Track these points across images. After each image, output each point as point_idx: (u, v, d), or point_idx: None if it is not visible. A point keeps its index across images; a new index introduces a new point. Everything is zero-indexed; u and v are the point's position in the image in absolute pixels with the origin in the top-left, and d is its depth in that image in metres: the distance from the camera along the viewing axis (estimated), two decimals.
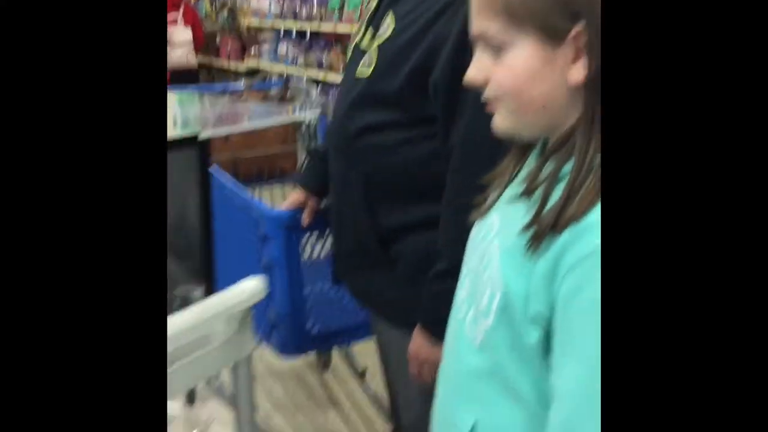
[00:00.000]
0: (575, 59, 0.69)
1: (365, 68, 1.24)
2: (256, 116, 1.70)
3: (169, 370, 1.06)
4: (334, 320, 1.80)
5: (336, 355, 2.61)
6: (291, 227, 1.65)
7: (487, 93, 0.76)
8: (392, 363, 1.37)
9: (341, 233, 1.37)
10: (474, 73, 0.76)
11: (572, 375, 0.65)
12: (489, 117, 1.06)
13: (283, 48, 5.33)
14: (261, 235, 1.72)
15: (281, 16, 5.27)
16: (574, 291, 0.65)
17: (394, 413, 1.59)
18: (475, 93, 1.09)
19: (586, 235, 0.65)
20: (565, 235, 0.66)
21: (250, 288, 1.14)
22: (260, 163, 2.12)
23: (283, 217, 1.65)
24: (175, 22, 5.54)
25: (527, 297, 0.69)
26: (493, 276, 0.74)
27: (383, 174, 1.23)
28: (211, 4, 6.82)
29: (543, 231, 0.68)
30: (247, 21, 6.05)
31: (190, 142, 1.12)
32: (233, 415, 1.22)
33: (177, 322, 1.06)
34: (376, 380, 2.43)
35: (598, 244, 0.63)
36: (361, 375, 2.39)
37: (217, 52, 6.44)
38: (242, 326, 1.17)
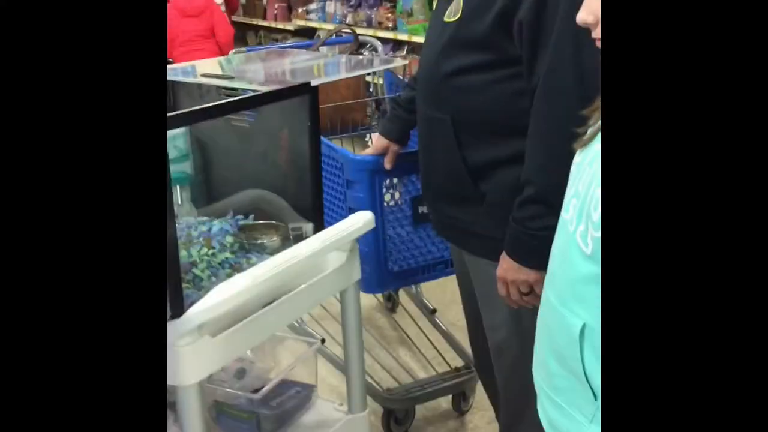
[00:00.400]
0: None
1: (453, 14, 1.33)
2: (332, 69, 1.80)
3: (289, 296, 1.20)
4: (412, 260, 1.92)
5: (404, 298, 2.75)
6: (374, 171, 1.78)
7: (597, 33, 0.86)
8: (479, 290, 1.49)
9: (431, 171, 1.48)
10: (585, 14, 0.85)
11: None
12: (570, 57, 1.16)
13: (331, 6, 5.39)
14: (345, 180, 1.84)
15: None
16: None
17: (474, 341, 1.72)
18: (559, 31, 1.18)
19: None
20: None
21: (358, 220, 1.27)
22: (332, 115, 2.23)
23: (367, 161, 1.78)
24: None
25: None
26: None
27: (472, 113, 1.33)
28: None
29: None
30: None
31: (303, 88, 1.23)
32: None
33: (296, 252, 1.19)
34: (446, 317, 2.56)
35: None
36: (432, 312, 2.52)
37: (264, 13, 6.52)
38: (351, 256, 1.30)
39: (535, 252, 1.16)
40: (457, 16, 1.32)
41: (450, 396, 2.22)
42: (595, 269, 0.87)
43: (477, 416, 2.23)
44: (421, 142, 1.51)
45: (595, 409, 0.90)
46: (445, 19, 1.34)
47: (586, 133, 0.94)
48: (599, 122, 0.92)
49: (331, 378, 2.26)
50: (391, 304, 2.79)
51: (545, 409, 0.99)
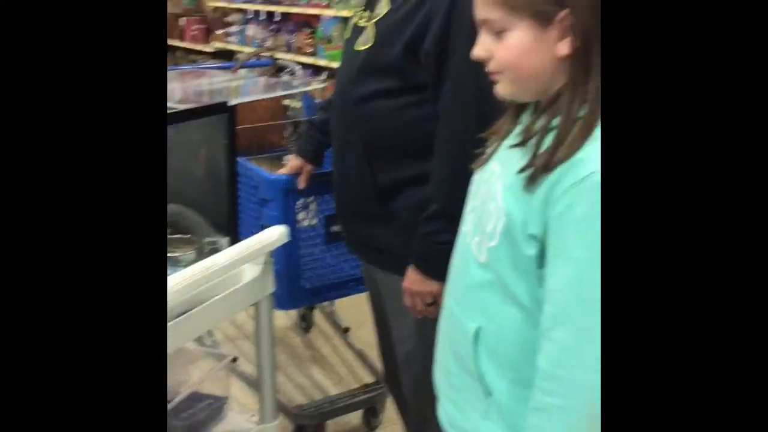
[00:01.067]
0: (561, 37, 0.88)
1: (364, 43, 1.42)
2: (253, 91, 1.86)
3: (204, 307, 1.23)
4: (325, 278, 1.98)
5: (318, 317, 2.79)
6: (288, 190, 1.83)
7: (490, 67, 0.95)
8: (388, 304, 1.56)
9: (344, 191, 1.55)
10: (479, 51, 0.95)
11: (562, 274, 0.86)
12: (471, 81, 1.26)
13: (250, 30, 5.43)
14: (260, 198, 1.89)
15: None
16: (565, 209, 0.85)
17: (384, 355, 1.79)
18: (460, 60, 1.28)
19: (574, 169, 0.85)
20: (558, 171, 0.86)
21: (273, 233, 1.32)
22: (250, 135, 2.28)
23: (281, 181, 1.83)
24: None
25: (526, 220, 0.89)
26: (497, 207, 0.93)
27: (382, 136, 1.41)
28: None
29: (538, 171, 0.88)
30: (212, 3, 6.12)
31: (221, 107, 1.28)
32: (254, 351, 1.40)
33: (211, 263, 1.22)
34: (358, 336, 2.62)
35: (585, 175, 0.83)
36: (345, 331, 2.58)
37: (181, 34, 6.48)
38: (265, 269, 1.35)
39: (439, 264, 1.25)
40: (369, 45, 1.40)
41: (361, 412, 2.28)
42: (489, 276, 0.95)
43: (387, 431, 2.29)
44: (335, 163, 1.58)
45: (487, 405, 0.98)
46: (357, 47, 1.43)
47: (483, 153, 1.03)
48: (495, 144, 1.01)
49: (243, 397, 2.27)
50: (306, 324, 2.83)
51: (445, 409, 1.07)
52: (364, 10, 1.48)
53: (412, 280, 1.39)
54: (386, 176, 1.44)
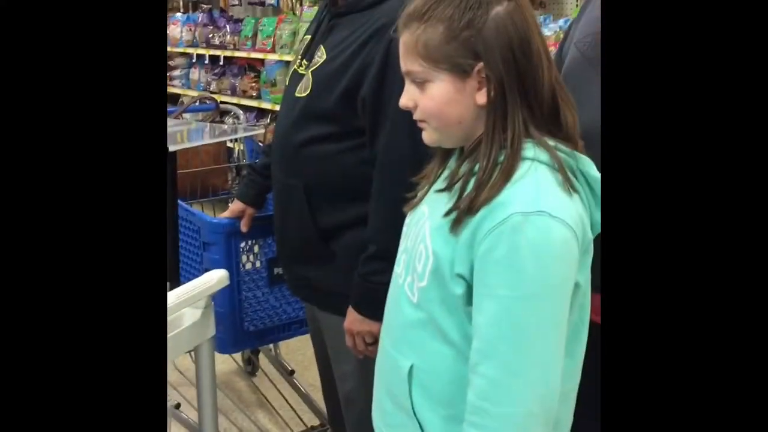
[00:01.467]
0: (479, 87, 0.94)
1: (303, 90, 1.47)
2: (195, 136, 1.88)
3: None
4: (268, 320, 1.99)
5: (263, 361, 2.78)
6: (230, 233, 1.85)
7: (416, 115, 1.00)
8: (329, 344, 1.58)
9: (285, 234, 1.58)
10: (405, 100, 1.00)
11: (487, 311, 0.90)
12: (406, 127, 1.32)
13: (195, 73, 5.45)
14: (202, 242, 1.89)
15: (193, 44, 5.40)
16: (488, 250, 0.90)
17: (327, 395, 1.80)
18: (395, 107, 1.34)
19: (495, 211, 0.90)
20: (480, 214, 0.91)
21: (213, 277, 1.34)
22: (193, 180, 2.29)
23: (223, 224, 1.85)
24: None
25: (453, 260, 0.94)
26: (426, 248, 0.97)
27: (322, 179, 1.45)
28: None
29: (462, 213, 0.93)
30: None
31: None
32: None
33: None
34: (304, 378, 2.62)
35: (504, 217, 0.88)
36: (290, 373, 2.57)
37: None
38: (205, 312, 1.36)
39: (378, 304, 1.28)
40: (307, 92, 1.45)
41: None
42: (420, 315, 0.99)
43: None
44: (276, 206, 1.61)
45: None
46: (297, 94, 1.47)
47: (415, 197, 1.08)
48: (425, 187, 1.06)
49: None
50: (251, 368, 2.81)
51: None
52: (302, 59, 1.53)
53: (352, 320, 1.41)
54: (326, 218, 1.47)
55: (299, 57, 1.55)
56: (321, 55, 1.46)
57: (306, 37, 1.58)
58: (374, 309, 1.34)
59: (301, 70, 1.50)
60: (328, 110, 1.42)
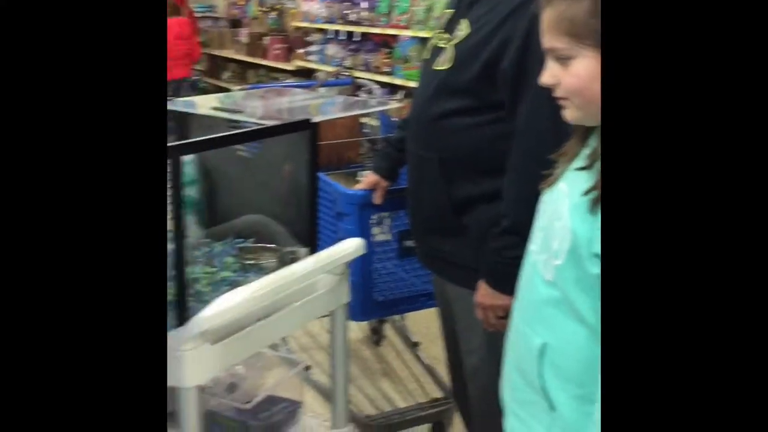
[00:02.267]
0: None
1: (444, 63, 1.47)
2: (329, 108, 1.94)
3: (283, 312, 1.31)
4: (397, 291, 2.04)
5: (388, 331, 2.85)
6: (364, 205, 1.90)
7: (558, 92, 0.99)
8: (457, 317, 1.60)
9: (418, 206, 1.60)
10: (547, 77, 0.99)
11: None
12: (547, 102, 1.30)
13: (330, 49, 5.59)
14: (337, 212, 1.96)
15: (330, 20, 5.53)
16: None
17: (452, 369, 1.82)
18: (535, 82, 1.32)
19: None
20: None
21: (350, 245, 1.39)
22: (328, 151, 2.37)
23: (358, 196, 1.90)
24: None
25: (591, 240, 0.92)
26: (564, 226, 0.97)
27: (457, 152, 1.46)
28: (260, 7, 7.11)
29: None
30: (295, 23, 6.32)
31: (305, 124, 1.36)
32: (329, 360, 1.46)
33: (291, 271, 1.30)
34: (428, 351, 2.66)
35: None
36: (415, 345, 2.62)
37: (264, 53, 6.72)
38: (341, 279, 1.42)
39: (509, 279, 1.28)
40: (448, 65, 1.46)
41: (428, 425, 2.31)
42: (555, 293, 0.99)
43: None
44: (410, 178, 1.64)
45: (550, 420, 1.01)
46: (436, 67, 1.49)
47: (552, 174, 1.07)
48: (563, 165, 1.05)
49: (314, 406, 2.34)
50: (377, 338, 2.89)
51: (510, 424, 1.10)
52: (444, 32, 1.54)
53: (483, 294, 1.42)
54: (460, 192, 1.48)
55: (440, 31, 1.56)
56: (463, 29, 1.46)
57: (448, 11, 1.59)
58: (505, 283, 1.34)
59: (442, 44, 1.51)
60: (468, 83, 1.42)
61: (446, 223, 1.51)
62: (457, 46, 1.46)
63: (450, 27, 1.52)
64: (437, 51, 1.52)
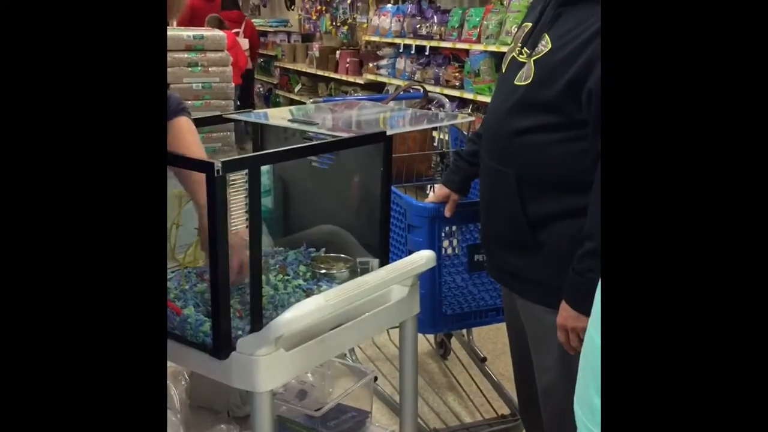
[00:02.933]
0: None
1: (524, 78, 1.45)
2: (398, 121, 1.95)
3: (355, 322, 1.32)
4: (465, 305, 2.03)
5: (455, 345, 2.84)
6: (434, 218, 1.91)
7: None
8: (530, 334, 1.58)
9: (491, 220, 1.59)
10: None
11: None
12: None
13: (401, 63, 5.63)
14: (407, 224, 1.97)
15: (401, 34, 5.57)
16: None
17: (521, 385, 1.80)
18: None
19: None
20: None
21: (422, 257, 1.39)
22: (399, 164, 2.38)
23: (429, 209, 1.91)
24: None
25: None
26: None
27: (535, 169, 1.44)
28: (332, 21, 7.23)
29: None
30: (365, 37, 6.40)
31: (379, 137, 1.37)
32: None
33: (364, 280, 1.31)
34: (495, 367, 2.64)
35: None
36: (482, 360, 2.60)
37: (336, 66, 6.82)
38: (412, 290, 1.42)
39: (593, 301, 1.26)
40: (529, 80, 1.44)
41: None
42: None
43: None
44: (484, 192, 1.62)
45: None
46: (516, 82, 1.47)
47: None
48: None
49: (380, 417, 2.35)
50: (443, 351, 2.88)
51: None
52: (523, 47, 1.52)
53: (566, 316, 1.40)
54: (537, 208, 1.46)
55: (519, 45, 1.54)
56: (546, 44, 1.44)
57: (526, 24, 1.57)
58: (588, 305, 1.32)
59: (521, 58, 1.49)
60: (551, 100, 1.40)
61: (521, 239, 1.49)
62: (537, 61, 1.44)
63: (530, 41, 1.50)
64: (516, 65, 1.50)
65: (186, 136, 1.35)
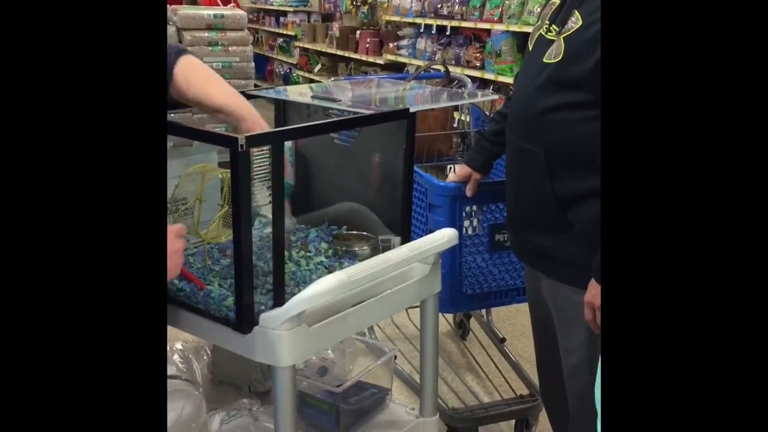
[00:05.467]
0: None
1: (553, 56, 1.43)
2: (421, 99, 1.94)
3: (376, 299, 1.32)
4: (486, 285, 2.02)
5: (474, 326, 2.84)
6: (455, 197, 1.90)
7: None
8: (558, 314, 1.56)
9: (518, 199, 1.58)
10: None
11: None
12: None
13: (421, 43, 5.59)
14: (428, 204, 1.97)
15: (422, 14, 5.53)
16: None
17: (543, 366, 1.79)
18: None
19: None
20: None
21: (443, 235, 1.39)
22: (419, 143, 2.36)
23: (450, 188, 1.90)
24: None
25: None
26: None
27: (564, 147, 1.42)
28: (352, 1, 7.19)
29: None
30: (386, 17, 6.36)
31: (403, 114, 1.37)
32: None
33: (386, 258, 1.31)
34: (513, 348, 2.63)
35: None
36: (501, 341, 2.60)
37: (356, 46, 6.79)
38: (433, 269, 1.42)
39: None
40: (559, 58, 1.42)
41: (512, 422, 2.29)
42: None
43: None
44: (511, 171, 1.61)
45: None
46: (545, 60, 1.44)
47: None
48: None
49: (399, 395, 2.36)
50: (462, 331, 2.88)
51: None
52: (551, 24, 1.49)
53: (595, 294, 1.38)
54: (565, 187, 1.45)
55: (547, 22, 1.51)
56: (576, 21, 1.41)
57: (553, 1, 1.54)
58: None
59: (550, 36, 1.47)
60: (581, 78, 1.37)
61: (549, 218, 1.48)
62: (567, 38, 1.41)
63: (558, 18, 1.47)
64: (544, 43, 1.48)
65: (197, 72, 1.30)
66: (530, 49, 1.54)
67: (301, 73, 8.16)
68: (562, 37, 1.42)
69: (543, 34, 1.49)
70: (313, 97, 1.51)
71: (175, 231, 1.15)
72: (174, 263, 1.13)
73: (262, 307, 1.20)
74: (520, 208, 1.58)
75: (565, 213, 1.45)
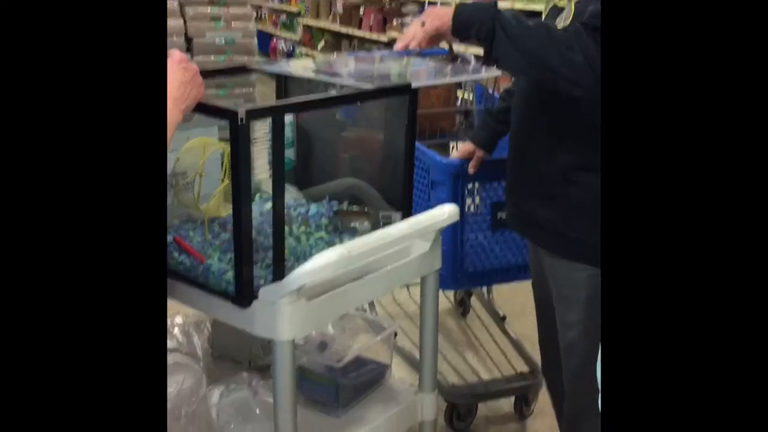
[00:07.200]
0: None
1: (563, 19, 1.41)
2: (422, 74, 1.92)
3: (376, 274, 1.32)
4: (488, 263, 2.02)
5: (475, 304, 2.84)
6: (458, 174, 1.89)
7: None
8: (555, 289, 1.56)
9: (521, 172, 1.56)
10: None
11: None
12: None
13: None
14: (430, 181, 1.96)
15: None
16: None
17: (543, 342, 1.80)
18: None
19: None
20: None
21: (444, 211, 1.38)
22: (422, 120, 2.35)
23: (453, 165, 1.89)
24: None
25: None
26: None
27: (570, 119, 1.41)
28: None
29: None
30: None
31: (405, 89, 1.35)
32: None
33: (386, 233, 1.31)
34: (514, 326, 2.64)
35: None
36: (502, 319, 2.60)
37: (359, 23, 6.73)
38: (434, 245, 1.42)
39: None
40: (568, 21, 1.39)
41: (512, 399, 2.30)
42: None
43: (538, 421, 2.29)
44: (515, 143, 1.59)
45: None
46: (557, 24, 1.41)
47: None
48: None
49: (399, 372, 2.37)
50: (463, 309, 2.88)
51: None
52: None
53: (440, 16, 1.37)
54: (570, 160, 1.43)
55: None
56: None
57: None
58: None
59: (561, 3, 1.45)
60: None
61: (550, 190, 1.46)
62: (578, 3, 1.39)
63: None
64: (555, 11, 1.46)
65: None
66: (544, 16, 1.52)
67: (305, 50, 8.10)
68: (573, 2, 1.40)
69: (556, 3, 1.48)
70: (314, 71, 1.49)
71: (177, 59, 1.09)
72: (197, 84, 1.09)
73: (262, 282, 1.20)
74: (522, 179, 1.57)
75: (567, 186, 1.44)
